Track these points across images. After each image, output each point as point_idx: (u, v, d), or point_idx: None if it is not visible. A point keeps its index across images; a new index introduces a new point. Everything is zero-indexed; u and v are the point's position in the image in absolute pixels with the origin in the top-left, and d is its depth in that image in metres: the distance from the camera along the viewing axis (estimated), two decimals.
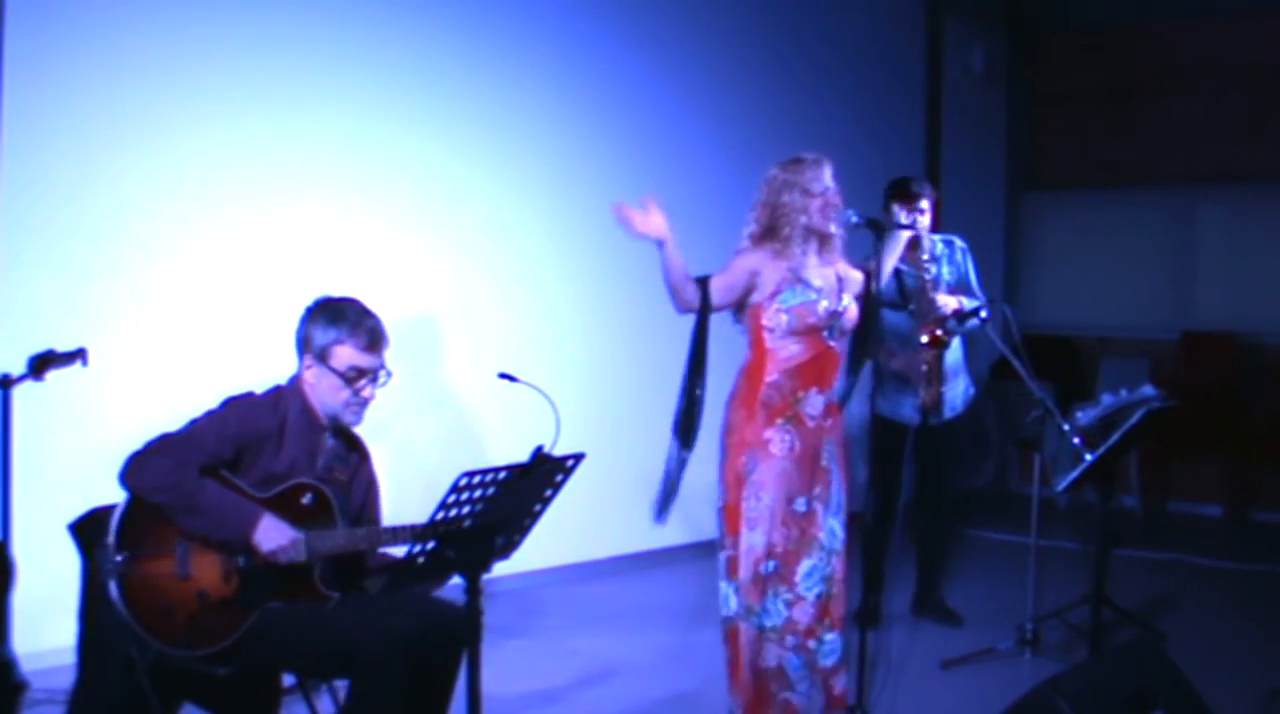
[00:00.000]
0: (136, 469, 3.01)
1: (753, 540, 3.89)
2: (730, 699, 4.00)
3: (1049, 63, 9.10)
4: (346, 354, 3.21)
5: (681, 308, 3.98)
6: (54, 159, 4.56)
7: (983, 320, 4.83)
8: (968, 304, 5.01)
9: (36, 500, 4.10)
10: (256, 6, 5.07)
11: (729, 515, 3.94)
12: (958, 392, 5.29)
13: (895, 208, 5.14)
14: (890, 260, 4.75)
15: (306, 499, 3.16)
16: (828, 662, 3.96)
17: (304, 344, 3.25)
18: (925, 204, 5.14)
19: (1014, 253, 9.23)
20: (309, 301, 3.31)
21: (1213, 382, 8.00)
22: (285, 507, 3.12)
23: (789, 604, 3.91)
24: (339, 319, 3.22)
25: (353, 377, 3.22)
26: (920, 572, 5.56)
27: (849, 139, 7.18)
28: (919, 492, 5.45)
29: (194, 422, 3.13)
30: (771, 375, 3.92)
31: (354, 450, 3.38)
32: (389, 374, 3.28)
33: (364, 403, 3.27)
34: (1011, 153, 9.18)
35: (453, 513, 2.76)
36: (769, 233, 3.97)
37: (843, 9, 7.70)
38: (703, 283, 3.95)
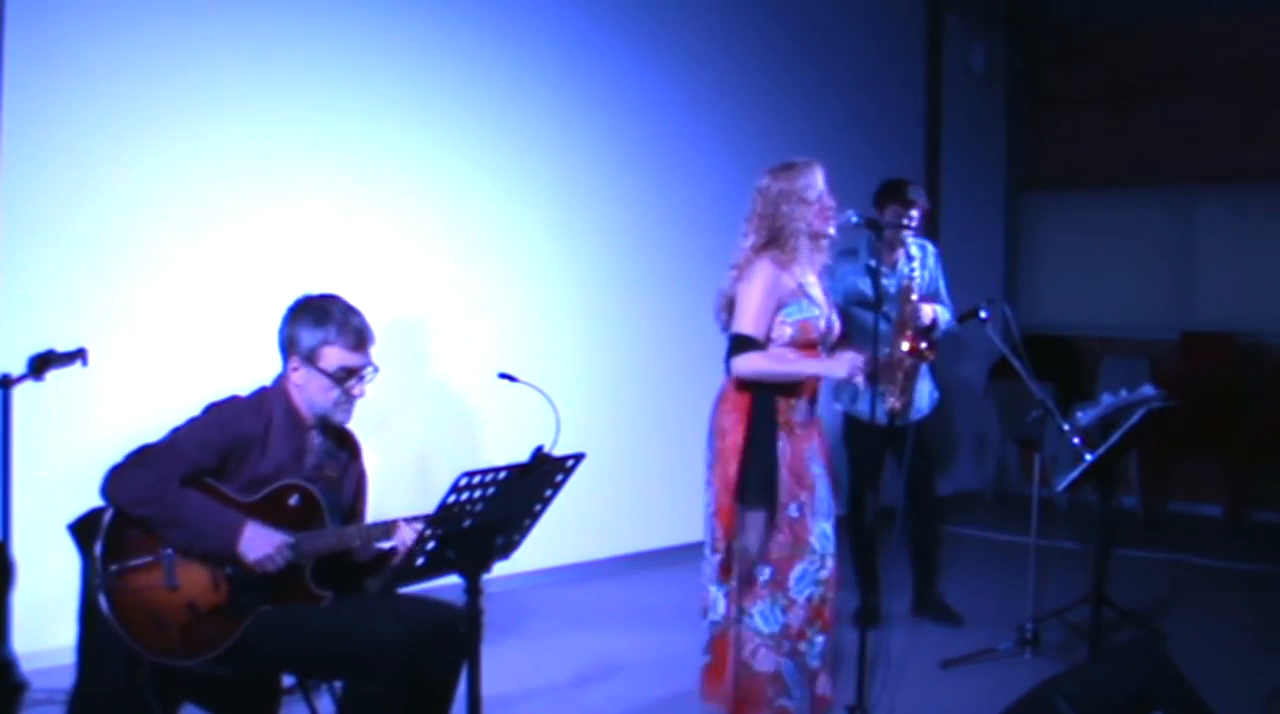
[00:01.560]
0: (117, 483, 2.98)
1: (745, 544, 3.88)
2: (705, 707, 3.98)
3: (1049, 63, 9.10)
4: (335, 355, 3.18)
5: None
6: (54, 159, 4.55)
7: (983, 320, 4.83)
8: (941, 313, 5.03)
9: (36, 500, 4.10)
10: (256, 6, 5.06)
11: (722, 519, 3.91)
12: (923, 394, 5.28)
13: (892, 209, 5.14)
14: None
15: (293, 500, 3.14)
16: (816, 663, 3.96)
17: (289, 346, 3.21)
18: (915, 213, 5.14)
19: (1014, 253, 9.23)
20: (289, 302, 3.28)
21: (1213, 382, 8.00)
22: (272, 509, 3.10)
23: (785, 610, 3.89)
24: (325, 319, 3.19)
25: (342, 377, 3.20)
26: (915, 572, 5.57)
27: (849, 139, 7.20)
28: (906, 492, 5.46)
29: (176, 430, 3.10)
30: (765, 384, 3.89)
31: (344, 446, 3.37)
32: (376, 370, 3.26)
33: (354, 401, 3.25)
34: (1011, 153, 9.18)
35: (453, 510, 2.76)
36: (770, 244, 3.89)
37: (843, 9, 7.70)
38: (750, 341, 3.84)
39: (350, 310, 3.23)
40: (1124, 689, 3.22)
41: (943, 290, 5.27)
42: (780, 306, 3.85)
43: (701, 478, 3.98)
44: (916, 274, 5.05)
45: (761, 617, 3.86)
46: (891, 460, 5.28)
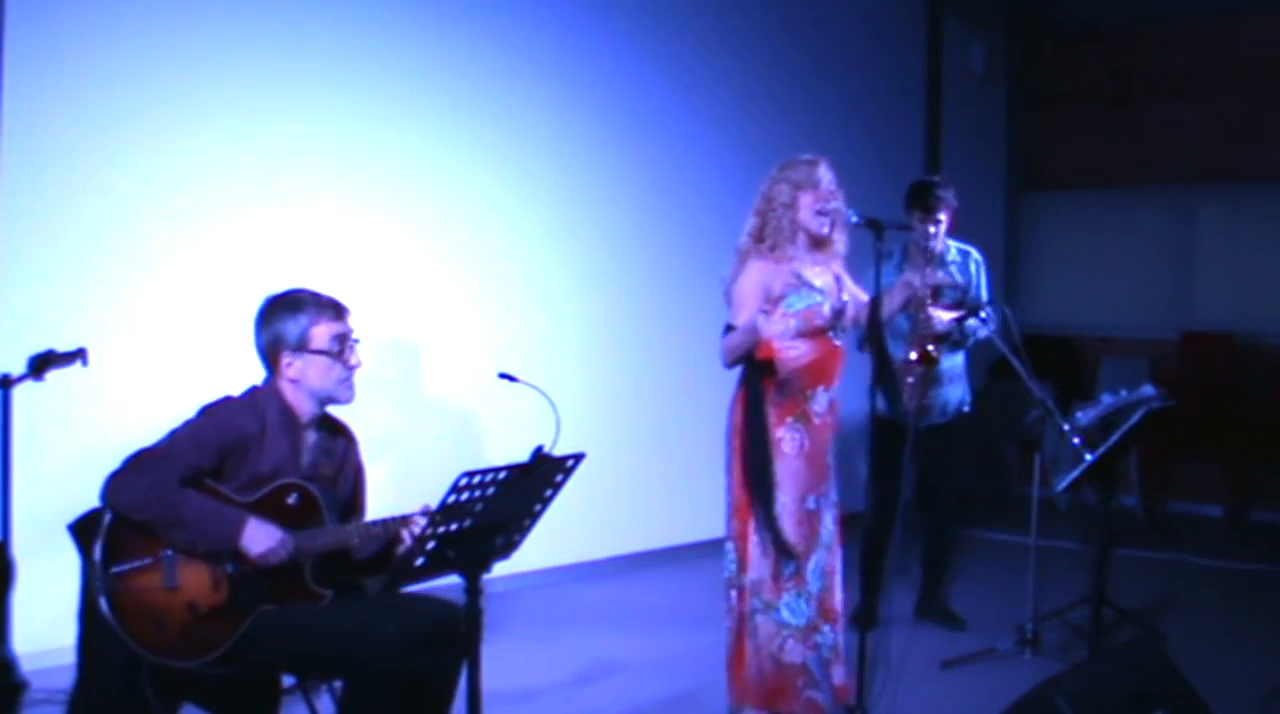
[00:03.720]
0: (116, 489, 2.99)
1: (767, 539, 3.90)
2: (731, 695, 4.00)
3: (1049, 63, 9.10)
4: (324, 330, 3.22)
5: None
6: (53, 158, 4.55)
7: (984, 321, 4.81)
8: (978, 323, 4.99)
9: (36, 500, 4.10)
10: (256, 6, 5.06)
11: (739, 513, 3.95)
12: (951, 396, 5.26)
13: (915, 215, 5.10)
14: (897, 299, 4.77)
15: (292, 499, 3.15)
16: (828, 654, 3.99)
17: (276, 345, 3.22)
18: (943, 216, 5.09)
19: (1014, 253, 9.23)
20: (257, 307, 3.29)
21: (1213, 382, 8.00)
22: (271, 508, 3.11)
23: (808, 602, 3.94)
24: (300, 306, 3.23)
25: (338, 349, 3.23)
26: (924, 575, 5.54)
27: (849, 139, 7.19)
28: (916, 494, 5.44)
29: (172, 433, 3.11)
30: (780, 376, 3.93)
31: (338, 440, 3.37)
32: (358, 341, 3.30)
33: (352, 371, 3.27)
34: (1011, 153, 9.19)
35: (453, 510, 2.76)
36: (762, 232, 3.99)
37: (844, 9, 7.70)
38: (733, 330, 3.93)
39: (315, 291, 3.29)
40: (1124, 689, 3.22)
41: (984, 296, 5.23)
42: (779, 299, 3.89)
43: (714, 475, 4.01)
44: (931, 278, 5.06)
45: (788, 609, 3.92)
46: (912, 461, 5.24)
